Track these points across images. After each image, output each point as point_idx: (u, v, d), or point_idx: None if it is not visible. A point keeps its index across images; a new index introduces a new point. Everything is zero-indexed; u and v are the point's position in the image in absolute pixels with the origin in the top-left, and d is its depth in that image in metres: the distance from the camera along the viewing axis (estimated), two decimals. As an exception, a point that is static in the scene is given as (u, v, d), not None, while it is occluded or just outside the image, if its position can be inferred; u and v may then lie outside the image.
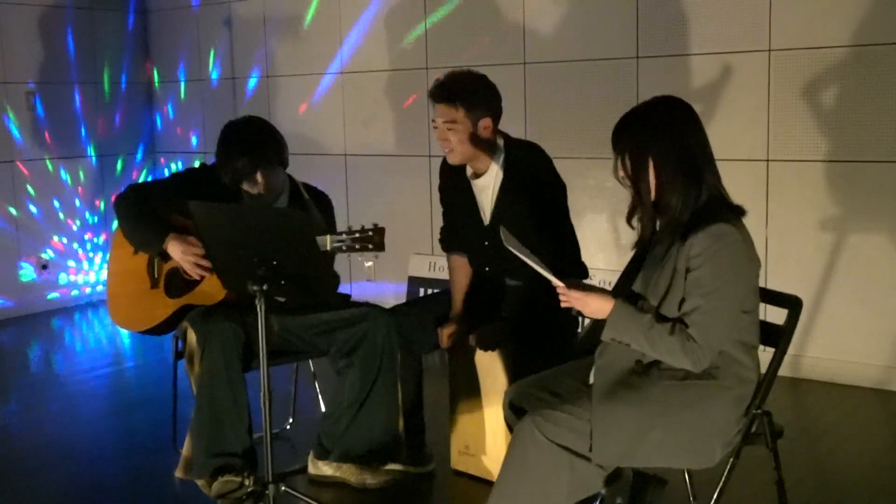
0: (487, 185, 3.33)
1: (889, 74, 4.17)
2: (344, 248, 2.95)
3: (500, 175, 3.29)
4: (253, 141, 3.28)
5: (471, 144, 3.22)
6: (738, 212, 2.45)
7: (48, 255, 6.47)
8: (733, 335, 2.39)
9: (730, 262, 2.34)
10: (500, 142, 3.31)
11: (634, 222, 2.53)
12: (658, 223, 2.48)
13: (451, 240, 3.54)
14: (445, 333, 3.39)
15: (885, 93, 4.19)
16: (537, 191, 3.26)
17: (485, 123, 3.22)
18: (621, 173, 2.46)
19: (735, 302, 2.36)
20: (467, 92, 3.20)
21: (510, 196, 3.27)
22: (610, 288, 2.64)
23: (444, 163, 3.43)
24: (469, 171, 3.37)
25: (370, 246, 2.93)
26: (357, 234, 2.94)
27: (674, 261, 2.39)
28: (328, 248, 2.96)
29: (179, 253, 3.26)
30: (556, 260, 3.20)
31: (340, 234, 2.97)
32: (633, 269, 2.58)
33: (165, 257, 3.36)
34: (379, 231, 2.94)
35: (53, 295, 6.51)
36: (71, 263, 6.61)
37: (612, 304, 2.41)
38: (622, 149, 2.45)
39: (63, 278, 6.57)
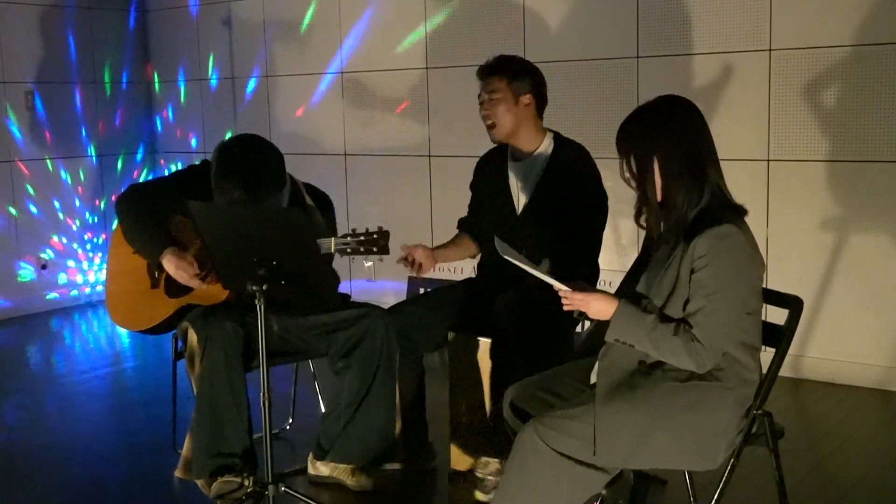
0: (528, 173, 3.35)
1: (889, 74, 4.17)
2: (349, 250, 2.95)
3: (545, 167, 3.32)
4: (250, 174, 3.10)
5: (513, 117, 3.28)
6: (741, 212, 2.44)
7: (48, 255, 6.46)
8: (736, 336, 2.38)
9: (733, 262, 2.33)
10: (549, 136, 3.37)
11: (643, 221, 2.52)
12: (664, 223, 2.47)
13: (468, 224, 3.58)
14: (415, 254, 3.29)
15: (885, 93, 4.18)
16: (576, 191, 3.28)
17: (525, 100, 3.30)
18: (627, 174, 2.45)
19: (738, 303, 2.35)
20: (510, 65, 3.33)
21: (550, 189, 3.30)
22: (611, 288, 2.64)
23: (485, 154, 3.53)
24: (510, 155, 3.40)
25: (374, 249, 2.93)
26: (362, 237, 2.94)
27: (678, 262, 2.38)
28: (332, 250, 2.95)
29: (174, 269, 3.24)
30: (572, 261, 3.20)
31: (345, 236, 2.96)
32: (637, 270, 2.57)
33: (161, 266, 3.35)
34: (384, 234, 2.94)
35: (53, 295, 6.50)
36: (70, 263, 6.60)
37: (615, 304, 2.41)
38: (627, 150, 2.44)
39: (63, 278, 6.56)
